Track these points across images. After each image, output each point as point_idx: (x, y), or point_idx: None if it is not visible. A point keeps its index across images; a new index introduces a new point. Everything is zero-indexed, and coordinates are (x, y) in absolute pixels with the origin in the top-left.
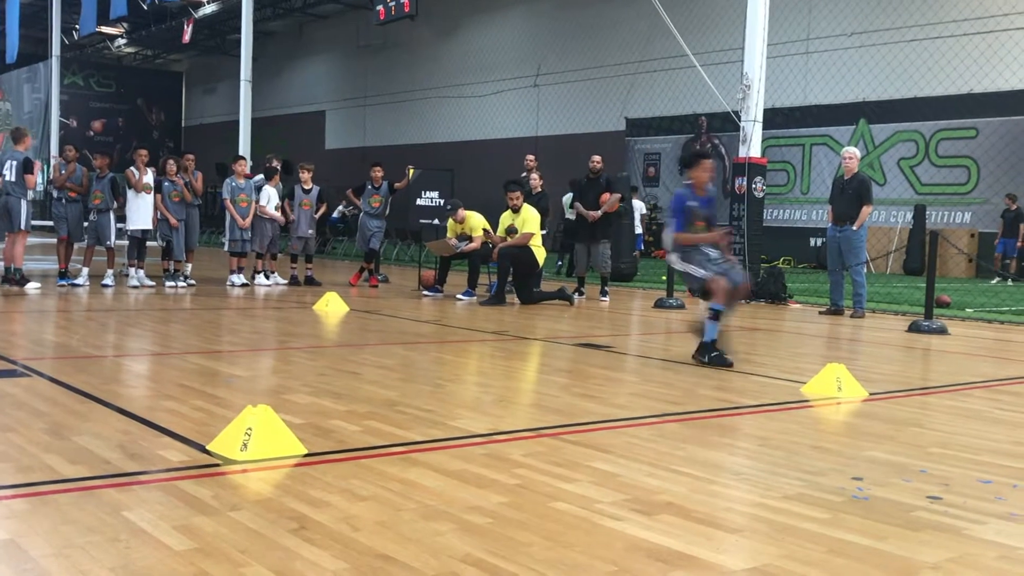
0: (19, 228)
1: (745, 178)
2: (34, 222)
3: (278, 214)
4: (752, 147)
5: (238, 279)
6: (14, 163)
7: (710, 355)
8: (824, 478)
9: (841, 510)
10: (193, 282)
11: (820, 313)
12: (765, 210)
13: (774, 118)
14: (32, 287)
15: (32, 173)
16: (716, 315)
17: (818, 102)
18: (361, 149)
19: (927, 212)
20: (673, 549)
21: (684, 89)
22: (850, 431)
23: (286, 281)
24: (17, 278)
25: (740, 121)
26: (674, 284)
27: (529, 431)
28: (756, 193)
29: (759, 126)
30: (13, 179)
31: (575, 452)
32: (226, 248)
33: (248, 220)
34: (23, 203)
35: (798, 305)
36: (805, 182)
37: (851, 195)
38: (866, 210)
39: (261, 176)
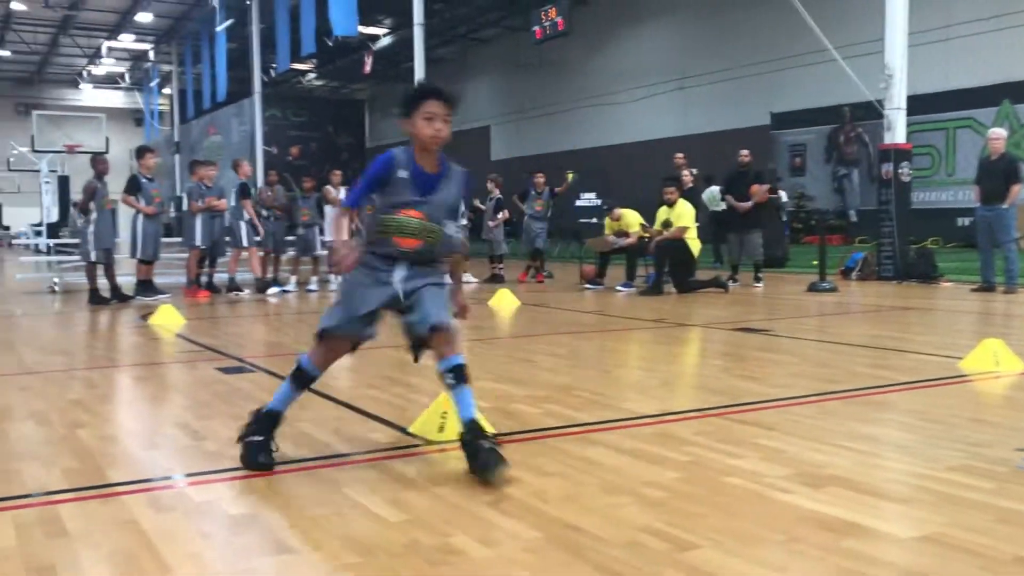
0: (242, 245)
1: (891, 164)
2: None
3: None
4: (896, 134)
5: None
6: (234, 190)
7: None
8: (987, 450)
9: (1006, 480)
10: None
11: (971, 291)
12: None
13: (916, 104)
14: (272, 292)
15: (248, 197)
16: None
17: (960, 86)
18: (522, 158)
19: None
20: (842, 519)
21: (827, 82)
22: (1011, 404)
23: (478, 280)
24: (259, 285)
25: (884, 109)
26: (826, 269)
27: (695, 411)
28: (903, 178)
29: (903, 113)
30: (234, 203)
31: (741, 430)
32: None
33: None
34: (242, 224)
35: (949, 283)
36: (950, 164)
37: (999, 175)
38: (1016, 189)
39: None
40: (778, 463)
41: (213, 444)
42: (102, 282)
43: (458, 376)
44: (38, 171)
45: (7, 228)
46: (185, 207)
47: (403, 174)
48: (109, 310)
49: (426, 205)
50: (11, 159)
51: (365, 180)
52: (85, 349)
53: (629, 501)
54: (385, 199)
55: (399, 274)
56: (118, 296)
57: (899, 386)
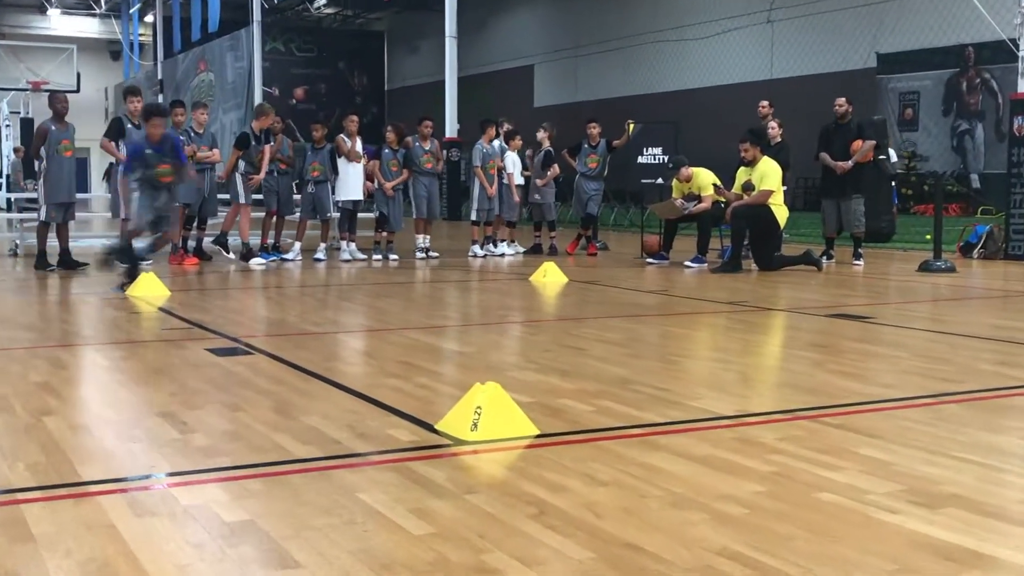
0: (238, 201)
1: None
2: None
3: (520, 180)
4: None
5: (480, 250)
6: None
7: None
8: None
9: None
10: (436, 254)
11: None
12: None
13: None
14: (256, 263)
15: (240, 148)
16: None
17: None
18: (574, 105)
19: None
20: (964, 547)
21: (947, 17)
22: None
23: (524, 249)
24: (244, 252)
25: (1018, 51)
26: (942, 245)
27: (782, 413)
28: None
29: None
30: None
31: (838, 436)
32: (473, 218)
33: (494, 188)
34: (237, 176)
35: None
36: None
37: None
38: None
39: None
40: (884, 477)
41: (204, 438)
42: (52, 244)
43: (155, 246)
44: None
45: None
46: None
47: (149, 151)
48: (75, 278)
49: (168, 160)
50: None
51: (129, 158)
52: (53, 323)
53: (701, 518)
54: (144, 164)
55: (160, 197)
56: (66, 263)
57: None
